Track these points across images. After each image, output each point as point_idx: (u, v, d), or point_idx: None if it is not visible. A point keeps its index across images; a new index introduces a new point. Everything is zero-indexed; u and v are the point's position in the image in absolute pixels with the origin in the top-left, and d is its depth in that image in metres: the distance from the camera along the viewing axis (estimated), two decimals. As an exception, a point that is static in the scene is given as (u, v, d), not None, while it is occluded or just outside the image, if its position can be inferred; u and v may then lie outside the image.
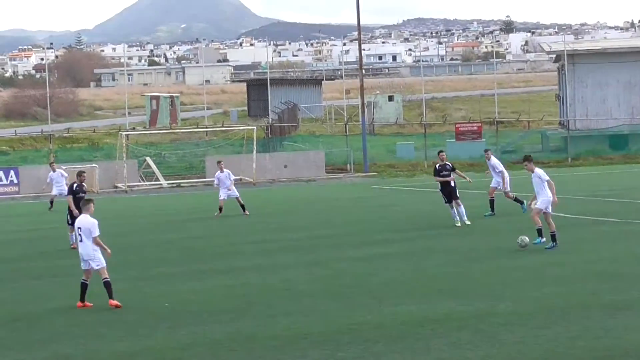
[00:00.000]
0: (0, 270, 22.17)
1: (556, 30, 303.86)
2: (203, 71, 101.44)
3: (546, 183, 21.35)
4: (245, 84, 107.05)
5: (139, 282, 19.41)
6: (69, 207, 24.53)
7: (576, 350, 12.23)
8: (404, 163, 57.88)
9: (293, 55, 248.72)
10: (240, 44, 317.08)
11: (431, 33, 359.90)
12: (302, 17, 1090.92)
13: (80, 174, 25.17)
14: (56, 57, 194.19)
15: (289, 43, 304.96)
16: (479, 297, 16.04)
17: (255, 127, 56.55)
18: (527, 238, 21.18)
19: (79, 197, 23.47)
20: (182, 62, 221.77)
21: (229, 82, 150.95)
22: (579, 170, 51.50)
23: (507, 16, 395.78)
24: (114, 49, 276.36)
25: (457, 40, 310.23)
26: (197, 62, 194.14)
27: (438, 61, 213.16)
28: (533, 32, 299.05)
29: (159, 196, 47.37)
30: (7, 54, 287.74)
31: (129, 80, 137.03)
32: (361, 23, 59.77)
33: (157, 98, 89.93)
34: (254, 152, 52.77)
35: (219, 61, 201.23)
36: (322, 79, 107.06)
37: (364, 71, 64.03)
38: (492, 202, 29.24)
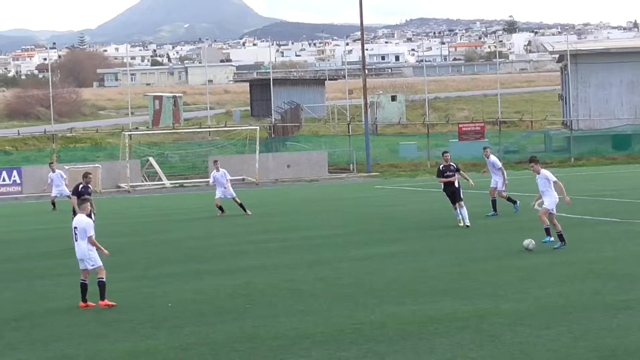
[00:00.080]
0: (3, 269, 22.19)
1: (559, 30, 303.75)
2: (206, 71, 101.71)
3: (554, 184, 21.35)
4: (248, 84, 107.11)
5: (141, 281, 19.41)
6: (73, 208, 24.51)
7: (578, 350, 12.21)
8: (407, 163, 57.94)
9: (296, 55, 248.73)
10: (243, 44, 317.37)
11: (434, 33, 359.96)
12: (304, 17, 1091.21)
13: (86, 175, 25.10)
14: (59, 57, 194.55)
15: (292, 43, 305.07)
16: (481, 297, 16.03)
17: (258, 127, 56.61)
18: (533, 242, 20.99)
19: (84, 198, 23.44)
20: (185, 62, 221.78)
21: (231, 82, 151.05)
22: (581, 170, 51.49)
23: (510, 16, 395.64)
24: (116, 49, 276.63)
25: (460, 40, 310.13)
26: (199, 62, 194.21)
27: (441, 61, 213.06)
28: (536, 32, 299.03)
29: (162, 196, 47.41)
30: (10, 53, 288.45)
31: (131, 80, 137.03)
32: (364, 23, 59.85)
33: (159, 98, 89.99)
34: (257, 152, 52.83)
35: (221, 61, 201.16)
36: (325, 79, 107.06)
37: (366, 71, 64.04)
38: (494, 202, 29.25)
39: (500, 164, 29.92)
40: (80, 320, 15.68)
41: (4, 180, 50.07)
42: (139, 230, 30.66)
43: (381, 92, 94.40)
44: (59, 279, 20.14)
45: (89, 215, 17.48)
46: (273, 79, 71.52)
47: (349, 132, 59.93)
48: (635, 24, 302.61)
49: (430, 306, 15.44)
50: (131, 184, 50.40)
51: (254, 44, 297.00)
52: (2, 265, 22.92)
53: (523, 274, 18.30)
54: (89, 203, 17.44)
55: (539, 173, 21.58)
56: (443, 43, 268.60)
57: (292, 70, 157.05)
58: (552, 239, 21.28)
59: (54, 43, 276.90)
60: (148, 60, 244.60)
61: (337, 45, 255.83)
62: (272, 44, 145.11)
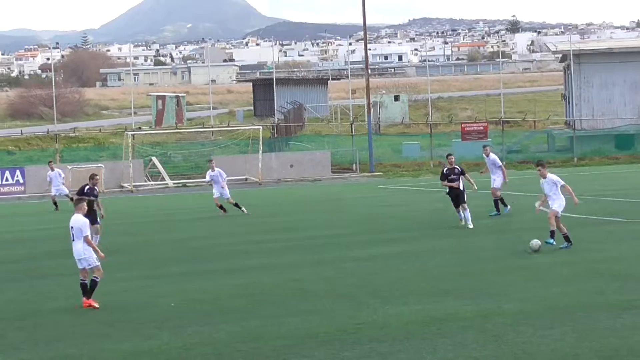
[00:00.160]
0: (6, 269, 22.20)
1: (562, 30, 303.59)
2: (209, 71, 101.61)
3: (561, 187, 21.33)
4: (251, 84, 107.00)
5: (145, 281, 19.41)
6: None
7: (582, 350, 12.19)
8: (410, 163, 57.87)
9: (299, 55, 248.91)
10: (246, 44, 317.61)
11: (437, 33, 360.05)
12: (307, 17, 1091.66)
13: (92, 176, 25.07)
14: (62, 56, 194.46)
15: (295, 43, 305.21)
16: (484, 297, 16.01)
17: (261, 127, 56.61)
18: (540, 243, 20.89)
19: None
20: (188, 61, 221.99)
21: (234, 82, 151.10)
22: (585, 170, 51.42)
23: (513, 16, 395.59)
24: (119, 49, 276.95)
25: (463, 40, 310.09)
26: (203, 62, 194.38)
27: (444, 61, 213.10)
28: (539, 32, 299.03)
29: (165, 196, 47.42)
30: (13, 53, 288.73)
31: (134, 80, 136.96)
32: (367, 23, 59.78)
33: (163, 98, 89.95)
34: (260, 151, 52.81)
35: (224, 61, 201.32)
36: (328, 79, 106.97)
37: (369, 71, 64.01)
38: (496, 202, 29.23)
39: (500, 162, 30.00)
40: (83, 320, 15.67)
41: (7, 180, 50.08)
42: (142, 230, 30.67)
43: (384, 91, 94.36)
44: (61, 279, 20.13)
45: (87, 216, 17.45)
46: (276, 79, 71.48)
47: (351, 132, 59.89)
48: (638, 24, 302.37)
49: (433, 306, 15.43)
50: (134, 183, 50.39)
51: (257, 44, 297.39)
52: (5, 266, 22.93)
53: (526, 273, 18.28)
54: (85, 203, 17.42)
55: (545, 177, 21.57)
56: (446, 43, 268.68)
57: (295, 70, 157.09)
58: (554, 242, 21.24)
59: (57, 43, 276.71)
60: (151, 60, 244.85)
61: (340, 45, 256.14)
62: (275, 44, 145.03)
